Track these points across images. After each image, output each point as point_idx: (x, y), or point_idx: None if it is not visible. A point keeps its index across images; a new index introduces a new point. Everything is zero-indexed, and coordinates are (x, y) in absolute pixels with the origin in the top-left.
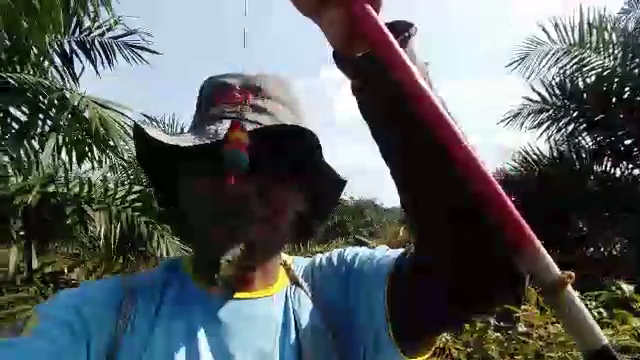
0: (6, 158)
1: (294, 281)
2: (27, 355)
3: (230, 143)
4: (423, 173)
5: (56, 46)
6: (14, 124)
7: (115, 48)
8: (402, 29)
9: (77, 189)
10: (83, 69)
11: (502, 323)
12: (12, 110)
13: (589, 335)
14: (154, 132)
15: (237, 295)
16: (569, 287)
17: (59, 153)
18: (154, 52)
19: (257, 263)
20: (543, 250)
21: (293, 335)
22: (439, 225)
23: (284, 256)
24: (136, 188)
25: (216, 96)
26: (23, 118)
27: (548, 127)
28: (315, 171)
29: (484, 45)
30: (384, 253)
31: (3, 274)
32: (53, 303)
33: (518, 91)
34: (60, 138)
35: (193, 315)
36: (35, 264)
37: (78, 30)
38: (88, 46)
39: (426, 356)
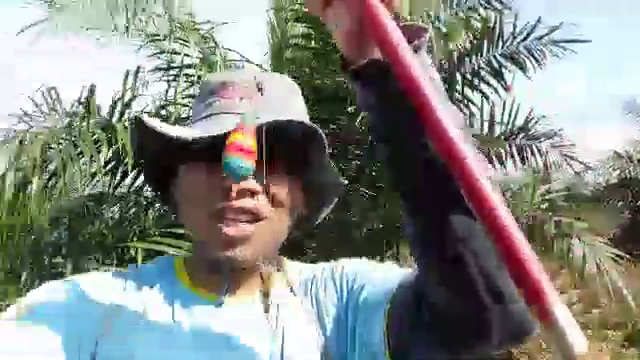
0: None
1: (290, 288)
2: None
3: (231, 148)
4: (424, 197)
5: (483, 64)
6: None
7: (543, 48)
8: (415, 34)
9: None
10: (513, 78)
11: None
12: None
13: None
14: (156, 124)
15: (226, 298)
16: None
17: None
18: (584, 41)
19: (252, 265)
20: (563, 318)
21: (279, 343)
22: (437, 260)
23: (284, 261)
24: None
25: (217, 92)
26: None
27: None
28: (318, 171)
29: None
30: (390, 271)
31: None
32: (45, 295)
33: None
34: None
35: (177, 316)
36: None
37: (501, 43)
38: (516, 55)
39: None
